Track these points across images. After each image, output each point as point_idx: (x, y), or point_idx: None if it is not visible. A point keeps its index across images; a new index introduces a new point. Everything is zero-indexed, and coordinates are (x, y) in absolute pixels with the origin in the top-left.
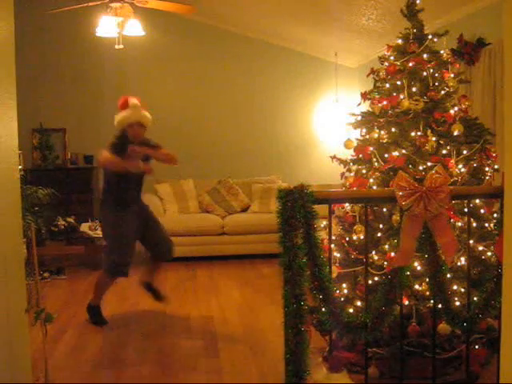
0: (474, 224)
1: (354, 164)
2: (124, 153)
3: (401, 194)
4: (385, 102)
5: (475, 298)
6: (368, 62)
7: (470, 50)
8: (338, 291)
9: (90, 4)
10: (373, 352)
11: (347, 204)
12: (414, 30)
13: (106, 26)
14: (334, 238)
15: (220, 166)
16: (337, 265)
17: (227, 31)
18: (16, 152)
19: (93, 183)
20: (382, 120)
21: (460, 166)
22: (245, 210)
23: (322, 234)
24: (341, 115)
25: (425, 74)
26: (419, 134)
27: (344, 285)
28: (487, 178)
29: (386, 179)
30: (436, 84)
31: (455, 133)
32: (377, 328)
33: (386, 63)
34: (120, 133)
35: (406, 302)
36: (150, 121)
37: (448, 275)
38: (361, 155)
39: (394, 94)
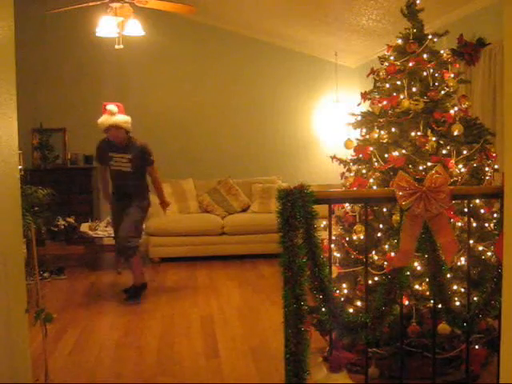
0: (474, 224)
1: (354, 164)
2: (106, 158)
3: (401, 193)
4: (385, 102)
5: (475, 298)
6: (368, 62)
7: (470, 50)
8: (338, 291)
9: (90, 4)
10: (373, 352)
11: (347, 204)
12: (414, 30)
13: (106, 26)
14: (334, 238)
15: (220, 166)
16: (337, 265)
17: (227, 31)
18: (16, 152)
19: (93, 183)
20: (382, 120)
21: (460, 166)
22: (245, 210)
23: (322, 234)
24: (341, 115)
25: (425, 73)
26: (419, 133)
27: (344, 285)
28: (487, 178)
29: (385, 179)
30: (436, 84)
31: (455, 133)
32: (377, 328)
33: (386, 63)
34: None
35: (406, 302)
36: (127, 123)
37: (448, 275)
38: (361, 155)
39: (394, 94)
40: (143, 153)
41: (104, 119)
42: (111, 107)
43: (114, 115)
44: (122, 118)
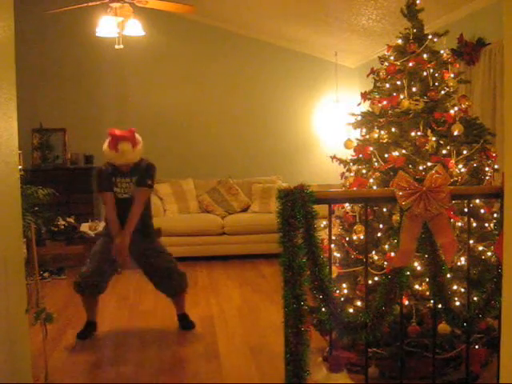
0: (474, 224)
1: (354, 164)
2: (110, 185)
3: (401, 193)
4: (385, 102)
5: (475, 298)
6: (368, 62)
7: (470, 50)
8: (338, 291)
9: (90, 4)
10: (373, 352)
11: (347, 204)
12: (414, 30)
13: (106, 26)
14: (334, 238)
15: (220, 166)
16: (337, 265)
17: (227, 31)
18: (16, 152)
19: (93, 183)
20: (382, 120)
21: (460, 166)
22: (245, 210)
23: (322, 234)
24: (341, 115)
25: (425, 73)
26: (419, 134)
27: (344, 285)
28: (487, 178)
29: (385, 179)
30: (436, 84)
31: (455, 133)
32: (377, 328)
33: (386, 63)
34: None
35: (406, 302)
36: (139, 155)
37: (448, 275)
38: (361, 155)
39: (394, 94)
40: (143, 170)
41: (115, 157)
42: (124, 146)
43: (128, 154)
44: (136, 154)
